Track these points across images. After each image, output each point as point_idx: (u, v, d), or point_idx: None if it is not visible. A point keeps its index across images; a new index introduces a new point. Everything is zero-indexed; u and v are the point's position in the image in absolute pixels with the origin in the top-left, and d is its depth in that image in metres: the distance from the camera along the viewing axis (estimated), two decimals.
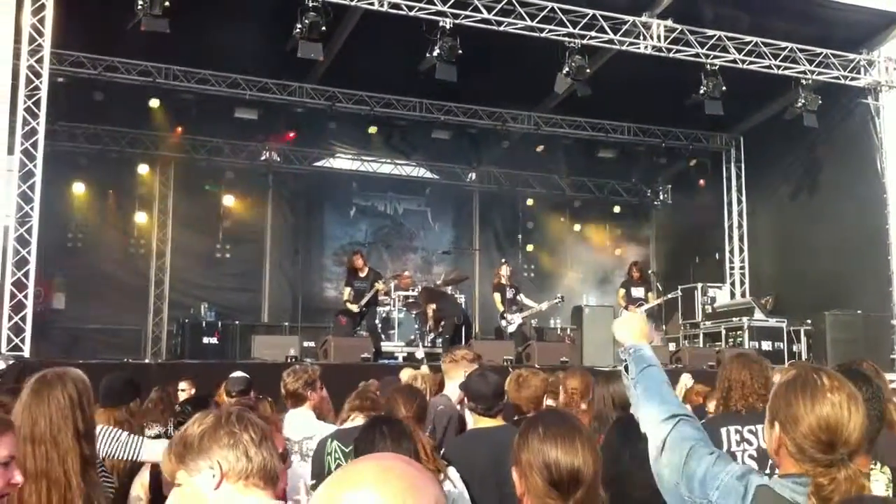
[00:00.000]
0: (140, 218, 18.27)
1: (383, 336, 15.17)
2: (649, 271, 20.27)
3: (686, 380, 8.04)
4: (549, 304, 15.35)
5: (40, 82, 11.50)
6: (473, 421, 4.68)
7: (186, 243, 18.49)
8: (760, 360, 4.74)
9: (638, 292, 15.72)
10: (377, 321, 14.92)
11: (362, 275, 14.19)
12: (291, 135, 18.08)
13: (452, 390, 5.63)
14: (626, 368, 2.76)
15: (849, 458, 2.19)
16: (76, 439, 3.13)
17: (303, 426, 5.18)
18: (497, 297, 14.92)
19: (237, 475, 2.24)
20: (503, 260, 16.20)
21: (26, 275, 11.17)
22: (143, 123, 17.02)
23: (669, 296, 16.10)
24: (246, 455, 2.25)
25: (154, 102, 15.70)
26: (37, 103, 11.45)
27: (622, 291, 15.97)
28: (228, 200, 18.62)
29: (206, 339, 15.71)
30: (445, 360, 5.95)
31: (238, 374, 7.12)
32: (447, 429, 5.20)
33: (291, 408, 5.39)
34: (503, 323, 14.82)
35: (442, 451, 4.26)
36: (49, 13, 11.54)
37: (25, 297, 11.09)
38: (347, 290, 14.36)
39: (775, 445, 2.33)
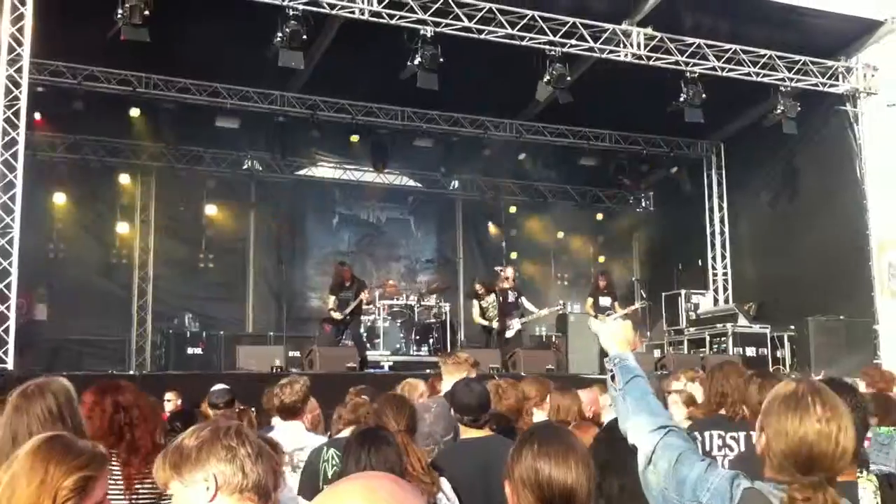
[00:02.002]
0: (122, 228, 18.13)
1: (368, 345, 15.14)
2: (632, 279, 20.40)
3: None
4: (551, 311, 15.31)
5: (20, 92, 11.41)
6: (461, 431, 4.67)
7: (169, 253, 18.40)
8: (743, 368, 4.91)
9: (605, 301, 15.69)
10: (362, 330, 14.89)
11: (346, 284, 14.17)
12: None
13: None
14: (612, 378, 2.75)
15: (828, 482, 2.22)
16: None
17: (294, 438, 5.16)
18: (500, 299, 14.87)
19: (232, 489, 2.25)
20: (502, 266, 16.10)
21: (8, 286, 11.06)
22: (123, 133, 16.93)
23: (637, 305, 16.01)
24: (242, 470, 2.26)
25: (134, 112, 15.62)
26: (16, 113, 11.37)
27: (590, 301, 15.95)
28: (211, 210, 18.52)
29: (190, 350, 15.64)
30: (448, 361, 5.94)
31: (219, 386, 7.10)
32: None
33: (283, 420, 5.36)
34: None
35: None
36: (28, 22, 11.46)
37: (7, 308, 11.00)
38: (332, 298, 14.33)
39: (761, 451, 2.39)
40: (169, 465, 2.29)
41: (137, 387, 4.06)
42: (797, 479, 2.23)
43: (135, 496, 3.64)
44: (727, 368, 4.87)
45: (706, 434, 4.70)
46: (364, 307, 14.74)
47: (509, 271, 15.19)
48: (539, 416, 6.06)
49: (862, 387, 6.95)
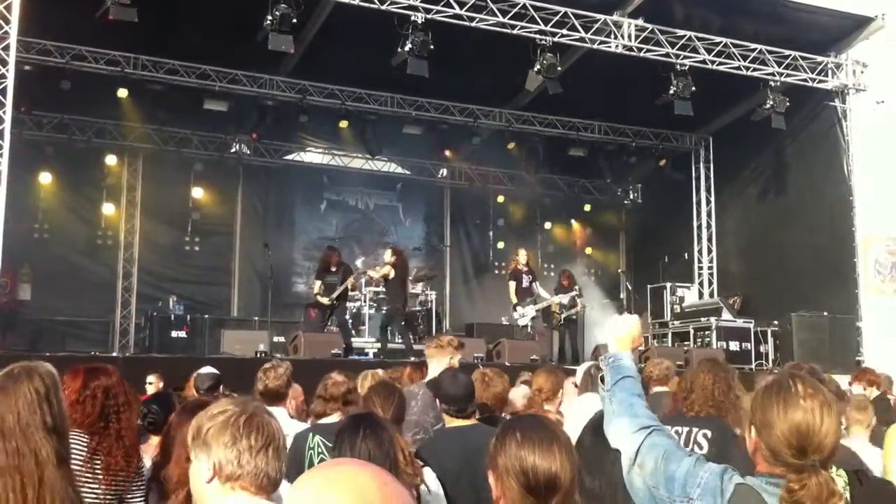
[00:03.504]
0: (107, 209, 18.00)
1: (353, 332, 15.10)
2: (618, 270, 20.41)
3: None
4: (569, 297, 15.24)
5: (7, 70, 11.33)
6: (446, 421, 4.67)
7: (155, 235, 18.30)
8: (727, 367, 4.91)
9: (565, 299, 15.71)
10: (347, 316, 14.86)
11: (333, 269, 14.13)
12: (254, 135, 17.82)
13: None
14: (602, 379, 2.75)
15: (821, 465, 2.23)
16: (46, 434, 3.08)
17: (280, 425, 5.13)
18: (512, 285, 14.70)
19: (226, 477, 2.34)
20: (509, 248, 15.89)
21: None
22: (111, 113, 16.80)
23: (581, 305, 15.98)
24: (238, 461, 2.33)
25: (122, 92, 15.49)
26: (3, 92, 11.29)
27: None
28: (197, 193, 18.41)
29: (174, 333, 15.57)
30: (430, 345, 5.95)
31: (207, 369, 7.02)
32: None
33: (268, 406, 5.32)
34: (515, 315, 14.62)
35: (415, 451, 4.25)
36: (16, 0, 11.36)
37: None
38: (318, 283, 14.28)
39: (752, 448, 2.40)
40: (192, 432, 2.43)
41: (120, 369, 4.02)
42: (792, 466, 2.23)
43: (108, 486, 3.61)
44: (701, 366, 4.91)
45: (672, 429, 4.76)
46: (349, 293, 14.71)
47: (521, 254, 15.05)
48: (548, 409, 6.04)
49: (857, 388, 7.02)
